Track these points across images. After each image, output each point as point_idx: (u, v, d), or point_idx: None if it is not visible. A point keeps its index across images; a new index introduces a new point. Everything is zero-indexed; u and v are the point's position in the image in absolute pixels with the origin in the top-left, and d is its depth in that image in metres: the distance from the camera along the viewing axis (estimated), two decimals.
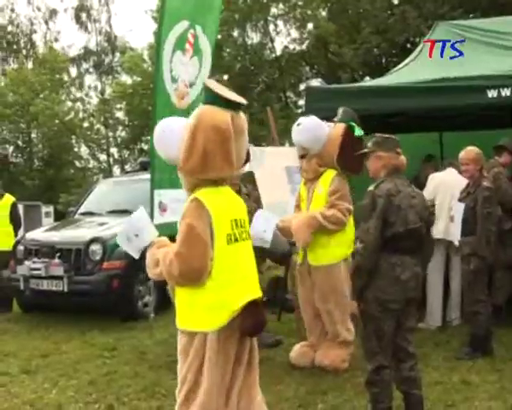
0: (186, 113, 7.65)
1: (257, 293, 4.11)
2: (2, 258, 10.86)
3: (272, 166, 8.15)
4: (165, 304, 8.95)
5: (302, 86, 26.19)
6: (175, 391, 4.18)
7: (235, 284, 3.98)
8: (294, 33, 26.48)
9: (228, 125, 3.94)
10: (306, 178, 6.91)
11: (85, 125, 34.81)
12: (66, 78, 36.69)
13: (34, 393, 6.47)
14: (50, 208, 17.84)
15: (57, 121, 31.12)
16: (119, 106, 32.94)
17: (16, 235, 11.33)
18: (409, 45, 20.15)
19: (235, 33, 26.80)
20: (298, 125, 6.79)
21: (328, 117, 8.47)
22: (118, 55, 37.95)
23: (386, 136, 5.12)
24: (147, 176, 9.81)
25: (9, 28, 38.35)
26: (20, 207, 12.83)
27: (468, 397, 5.73)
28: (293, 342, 7.51)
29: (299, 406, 5.75)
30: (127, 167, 29.81)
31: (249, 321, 3.95)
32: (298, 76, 26.51)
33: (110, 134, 33.89)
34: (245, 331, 4.00)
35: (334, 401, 5.84)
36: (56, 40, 39.03)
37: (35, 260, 9.98)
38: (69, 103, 35.28)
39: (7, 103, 31.43)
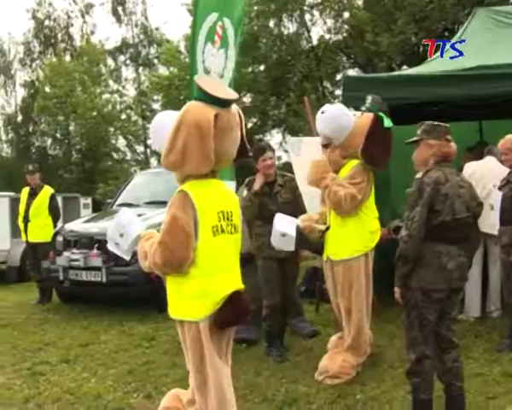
0: None
1: (239, 285, 4.24)
2: (41, 249, 11.01)
3: (309, 156, 8.08)
4: None
5: (339, 76, 26.01)
6: None
7: (219, 274, 4.11)
8: (330, 23, 26.31)
9: (209, 122, 4.01)
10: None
11: (123, 117, 35.05)
12: (103, 70, 36.97)
13: (74, 382, 6.55)
14: (89, 200, 17.98)
15: (95, 113, 31.35)
16: (156, 97, 33.08)
17: (55, 226, 11.44)
18: (447, 33, 19.87)
19: (271, 24, 26.68)
20: (322, 112, 6.35)
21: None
22: (154, 46, 38.12)
23: (436, 123, 4.95)
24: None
25: (46, 22, 38.74)
26: (59, 199, 12.96)
27: (510, 390, 5.66)
28: (330, 332, 7.50)
29: (337, 396, 5.74)
30: None
31: (230, 312, 4.09)
32: (335, 66, 26.31)
33: (147, 126, 34.02)
34: (225, 322, 4.13)
35: (373, 391, 5.83)
36: (93, 33, 39.35)
37: (74, 251, 10.10)
38: (107, 95, 35.54)
39: (46, 96, 31.77)
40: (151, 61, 37.98)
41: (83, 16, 39.25)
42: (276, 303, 7.15)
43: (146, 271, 4.41)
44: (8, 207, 14.16)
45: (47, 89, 32.36)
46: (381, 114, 6.28)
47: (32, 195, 11.45)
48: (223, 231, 4.17)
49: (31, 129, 36.88)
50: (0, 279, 14.01)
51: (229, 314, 4.10)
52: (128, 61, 38.75)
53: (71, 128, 34.25)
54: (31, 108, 34.32)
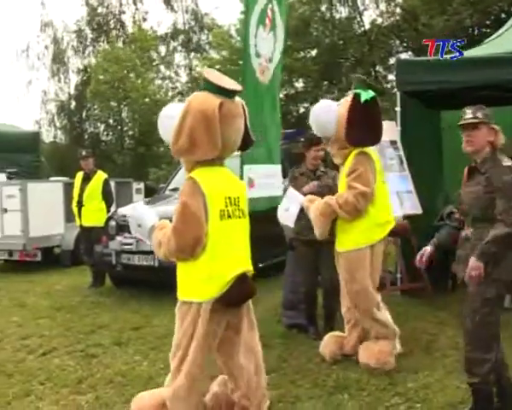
0: (267, 88, 7.67)
1: (247, 266, 4.54)
2: (94, 233, 11.12)
3: None
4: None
5: (392, 60, 25.71)
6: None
7: (226, 257, 4.39)
8: (383, 6, 26.00)
9: (214, 110, 4.30)
10: (337, 163, 6.58)
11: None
12: (155, 56, 37.18)
13: (125, 364, 6.64)
14: (141, 185, 18.08)
15: (147, 99, 31.57)
16: None
17: (108, 211, 11.54)
18: (503, 15, 19.43)
19: (323, 8, 26.50)
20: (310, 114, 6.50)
21: (418, 91, 8.26)
22: (205, 32, 38.19)
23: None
24: (235, 152, 9.85)
25: (99, 10, 39.13)
26: (112, 184, 13.05)
27: None
28: None
29: (388, 384, 5.73)
30: None
31: (236, 292, 4.39)
32: (387, 50, 26.03)
33: None
34: (231, 301, 4.42)
35: (425, 379, 5.78)
36: (144, 20, 39.58)
37: (126, 235, 10.18)
38: (159, 82, 35.77)
39: (99, 82, 32.10)
40: (202, 47, 38.06)
41: (134, 3, 39.53)
42: (311, 289, 7.32)
43: (162, 259, 4.66)
44: (62, 192, 14.31)
45: (100, 76, 32.68)
46: (358, 90, 6.22)
47: (86, 180, 11.57)
48: (229, 216, 4.43)
49: (84, 115, 37.34)
50: (54, 263, 14.21)
51: (235, 294, 4.39)
52: (179, 48, 38.91)
53: (123, 115, 34.58)
54: (83, 94, 34.74)
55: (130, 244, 9.97)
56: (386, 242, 6.78)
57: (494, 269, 4.47)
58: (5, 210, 13.70)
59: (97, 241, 10.93)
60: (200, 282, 4.38)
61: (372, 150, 6.38)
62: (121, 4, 39.39)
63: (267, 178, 7.23)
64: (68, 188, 13.18)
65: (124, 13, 39.61)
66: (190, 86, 34.77)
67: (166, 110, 4.71)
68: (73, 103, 38.16)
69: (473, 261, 4.48)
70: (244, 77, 7.37)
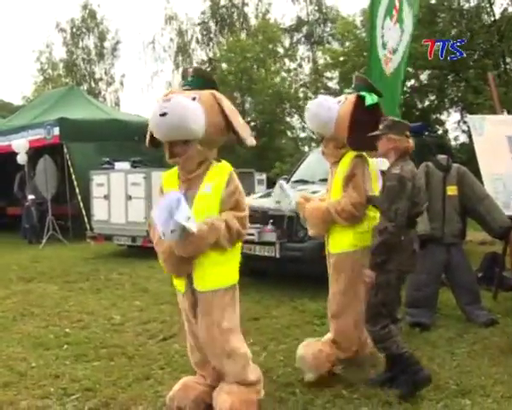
0: (388, 80, 7.57)
1: None
2: None
3: (492, 135, 7.75)
4: None
5: None
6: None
7: None
8: None
9: None
10: (329, 162, 6.19)
11: (299, 95, 35.27)
12: (279, 48, 37.36)
13: None
14: (263, 176, 18.20)
15: (270, 91, 31.77)
16: (330, 75, 33.05)
17: None
18: None
19: None
20: (306, 110, 6.08)
21: None
22: (328, 25, 38.04)
23: (397, 119, 5.53)
24: None
25: (222, 2, 39.69)
26: None
27: None
28: (509, 322, 7.24)
29: None
30: None
31: None
32: None
33: None
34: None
35: None
36: (267, 12, 39.81)
37: (248, 225, 10.21)
38: (283, 74, 35.94)
39: (222, 73, 32.58)
40: (325, 39, 37.91)
41: None
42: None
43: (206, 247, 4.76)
44: None
45: (223, 65, 33.19)
46: (363, 92, 5.84)
47: None
48: None
49: None
50: None
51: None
52: (303, 39, 38.92)
53: (246, 106, 34.93)
54: None
55: (252, 234, 9.98)
56: None
57: (391, 262, 5.20)
58: (130, 197, 14.16)
59: None
60: (235, 267, 4.94)
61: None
62: None
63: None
64: None
65: (247, 5, 40.02)
66: (314, 78, 34.68)
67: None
68: None
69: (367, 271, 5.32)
70: (369, 67, 7.32)
